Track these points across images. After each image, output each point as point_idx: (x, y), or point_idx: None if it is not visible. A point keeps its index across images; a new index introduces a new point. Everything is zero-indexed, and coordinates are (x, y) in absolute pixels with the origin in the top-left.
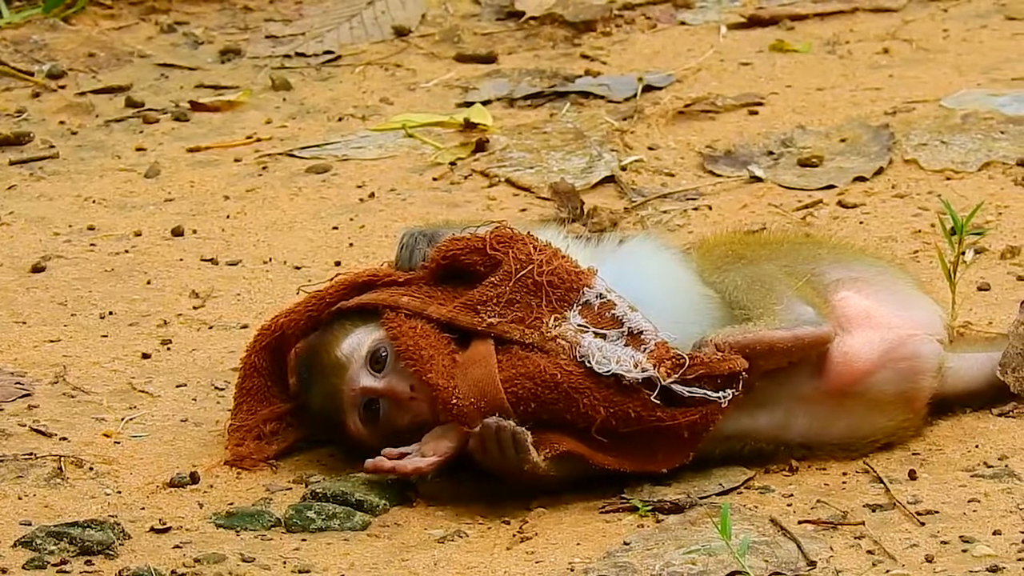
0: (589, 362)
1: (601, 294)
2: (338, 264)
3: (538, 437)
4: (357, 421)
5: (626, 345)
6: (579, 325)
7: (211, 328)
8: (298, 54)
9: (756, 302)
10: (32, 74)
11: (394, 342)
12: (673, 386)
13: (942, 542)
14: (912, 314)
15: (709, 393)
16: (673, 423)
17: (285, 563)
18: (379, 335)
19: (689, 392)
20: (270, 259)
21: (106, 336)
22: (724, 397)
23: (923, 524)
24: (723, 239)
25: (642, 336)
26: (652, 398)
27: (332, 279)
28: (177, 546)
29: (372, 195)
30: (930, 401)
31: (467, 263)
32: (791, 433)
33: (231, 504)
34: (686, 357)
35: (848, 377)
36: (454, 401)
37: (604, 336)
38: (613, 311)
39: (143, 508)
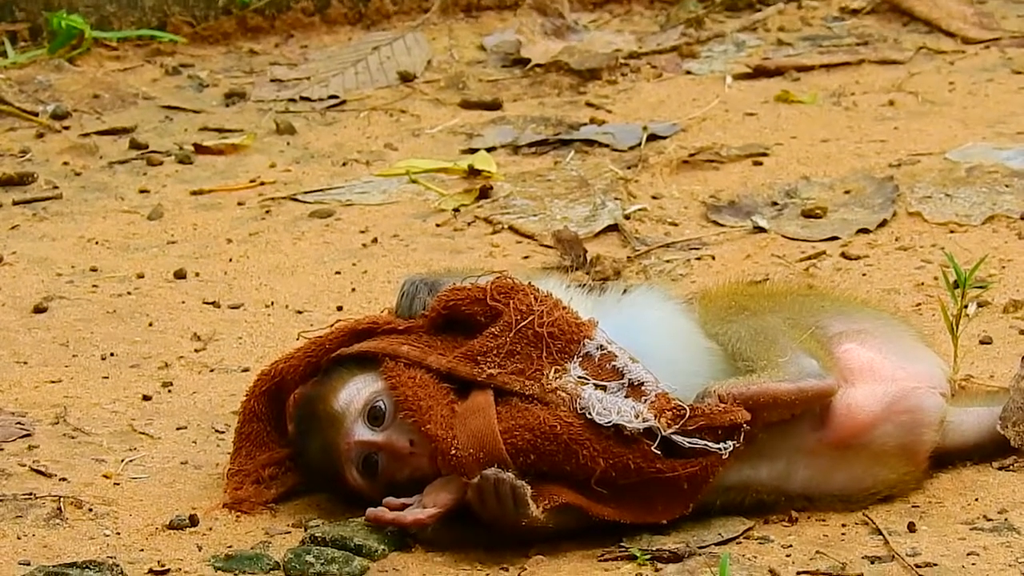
0: (590, 414)
1: (602, 345)
2: (340, 309)
3: (537, 489)
4: (355, 474)
5: (627, 396)
6: (579, 377)
7: (212, 371)
8: (303, 98)
9: (759, 354)
10: (36, 114)
11: (393, 392)
12: (674, 437)
13: None
14: (915, 367)
15: (710, 444)
16: (673, 474)
17: None
18: (377, 386)
19: (690, 443)
20: (272, 303)
21: (107, 377)
22: (725, 449)
23: None
24: (726, 290)
25: (643, 387)
26: (653, 449)
27: (332, 325)
28: None
29: (375, 240)
30: (931, 454)
31: (467, 313)
32: (792, 484)
33: (230, 547)
34: (687, 408)
35: (851, 429)
36: (453, 452)
37: (604, 388)
38: (614, 363)
39: (142, 550)
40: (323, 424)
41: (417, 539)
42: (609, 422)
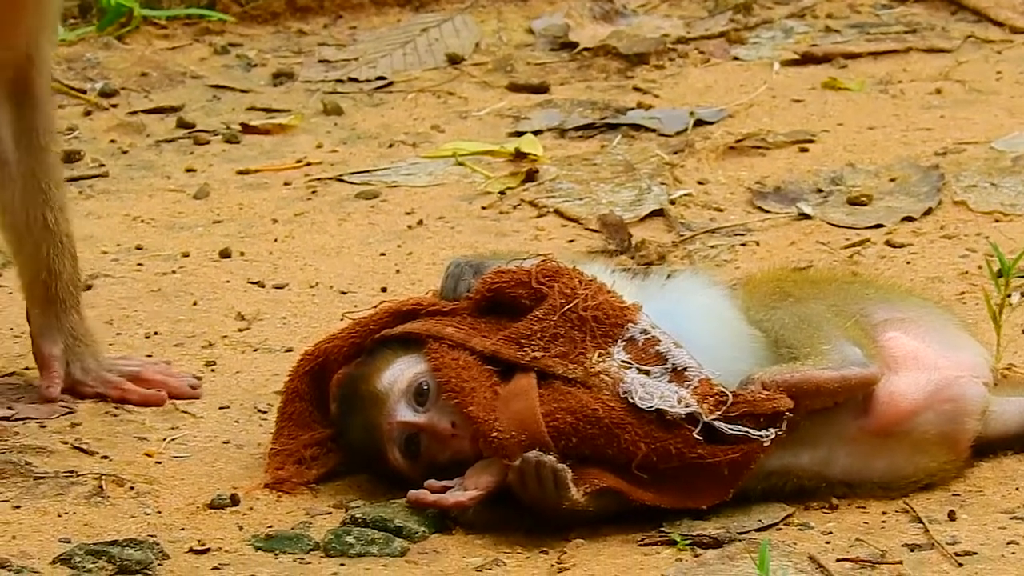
0: (632, 398)
1: (645, 330)
2: (384, 290)
3: (578, 472)
4: (397, 455)
5: (670, 381)
6: (623, 361)
7: (256, 351)
8: (351, 79)
9: (803, 341)
10: (84, 92)
11: (436, 373)
12: (715, 423)
13: None
14: (958, 356)
15: (752, 431)
16: (714, 460)
17: None
18: (421, 368)
19: (731, 430)
20: (317, 283)
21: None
22: (767, 436)
23: (961, 565)
24: (770, 276)
25: (686, 372)
26: (694, 434)
27: (377, 306)
28: (216, 568)
29: (420, 222)
30: (973, 443)
31: (512, 296)
32: (833, 471)
33: (270, 527)
34: (730, 394)
35: (893, 417)
36: (494, 434)
37: (648, 372)
38: (657, 347)
39: (183, 529)
40: (366, 404)
41: (458, 521)
42: (651, 407)
